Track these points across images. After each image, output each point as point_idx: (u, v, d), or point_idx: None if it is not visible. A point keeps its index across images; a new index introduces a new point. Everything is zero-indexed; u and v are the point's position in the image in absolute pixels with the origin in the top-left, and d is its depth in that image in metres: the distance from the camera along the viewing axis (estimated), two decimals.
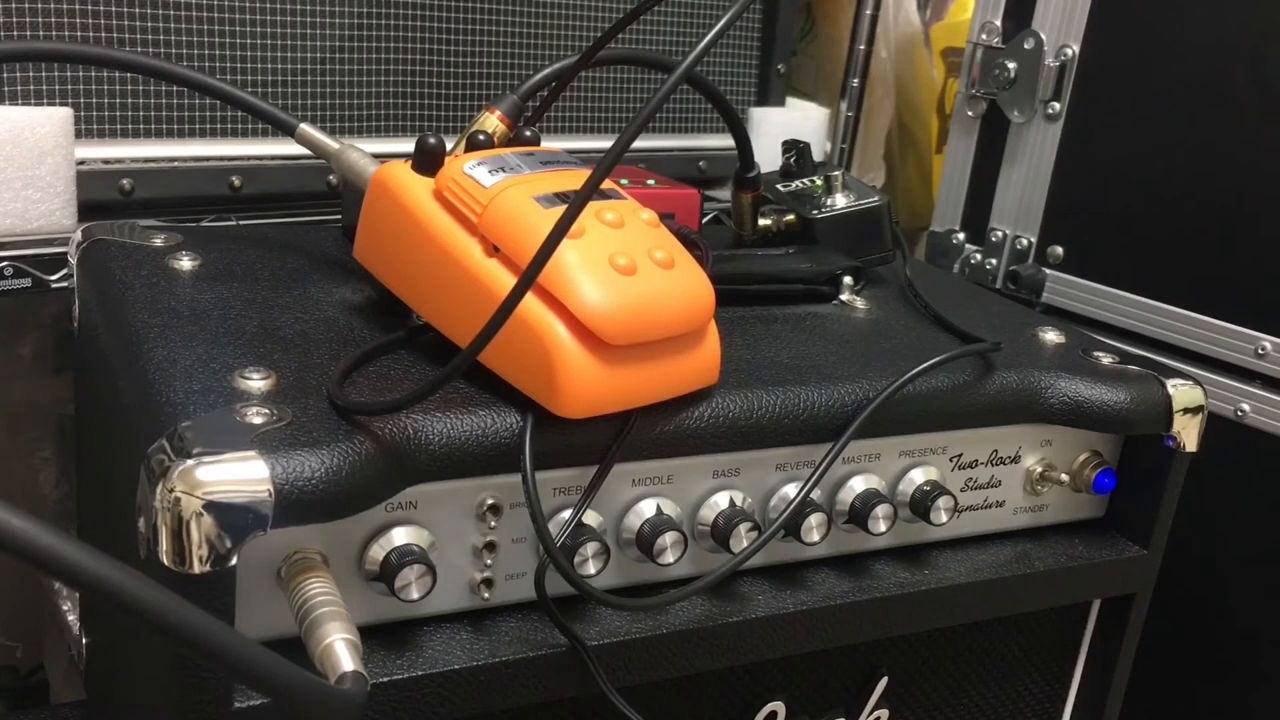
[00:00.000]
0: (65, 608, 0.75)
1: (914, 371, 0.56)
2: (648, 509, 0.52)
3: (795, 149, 0.77)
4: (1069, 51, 0.91)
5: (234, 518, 0.40)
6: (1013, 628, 0.65)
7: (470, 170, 0.50)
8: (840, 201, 0.73)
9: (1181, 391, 0.62)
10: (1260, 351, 0.81)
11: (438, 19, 0.90)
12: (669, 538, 0.50)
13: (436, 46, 0.90)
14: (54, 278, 0.75)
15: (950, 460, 0.60)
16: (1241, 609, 0.84)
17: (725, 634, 0.53)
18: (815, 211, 0.73)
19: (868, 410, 0.54)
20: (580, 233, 0.48)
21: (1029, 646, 0.67)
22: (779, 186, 0.76)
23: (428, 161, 0.51)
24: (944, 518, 0.58)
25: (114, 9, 0.78)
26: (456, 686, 0.47)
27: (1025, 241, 0.95)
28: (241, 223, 0.85)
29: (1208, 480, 0.71)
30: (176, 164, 0.82)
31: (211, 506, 0.40)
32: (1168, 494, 0.64)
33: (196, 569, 0.40)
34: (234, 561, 0.41)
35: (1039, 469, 0.63)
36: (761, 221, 0.74)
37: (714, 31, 0.49)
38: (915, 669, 0.63)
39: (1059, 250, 0.93)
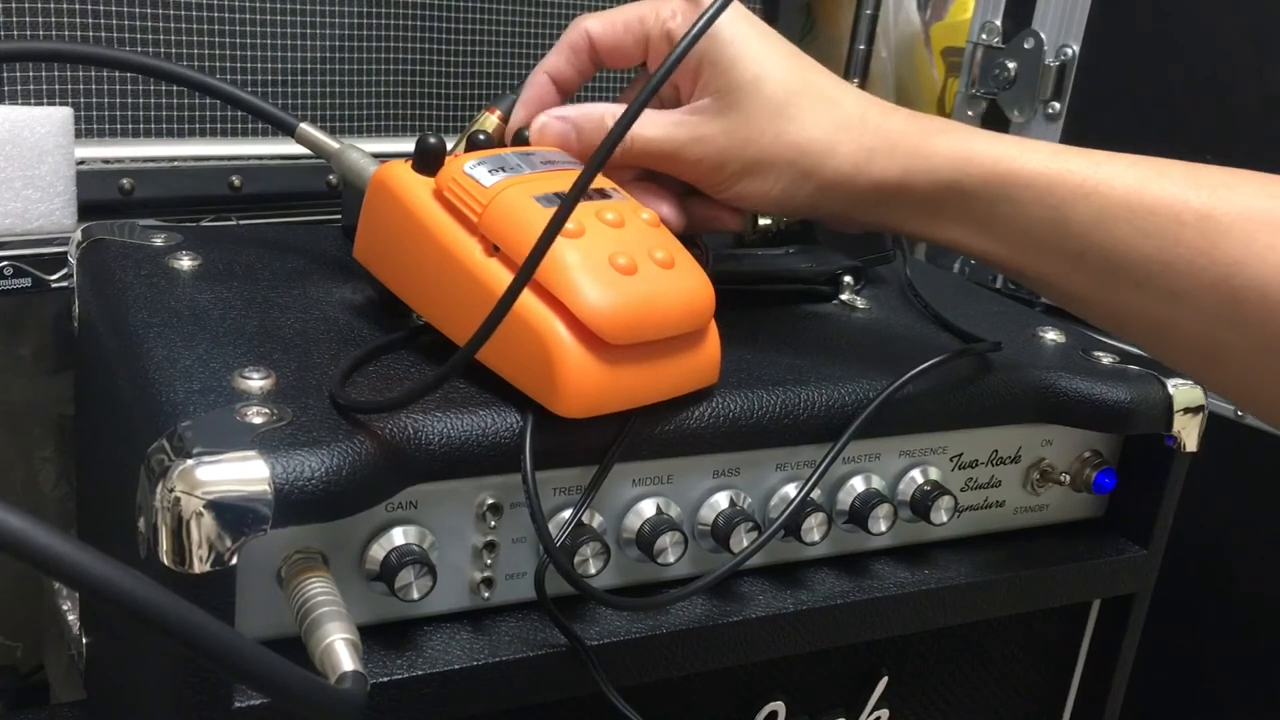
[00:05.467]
0: (65, 608, 0.75)
1: (914, 371, 0.56)
2: (648, 509, 0.52)
3: None
4: (1069, 51, 0.91)
5: (234, 517, 0.40)
6: (1013, 628, 0.65)
7: (470, 170, 0.50)
8: None
9: (1182, 391, 0.62)
10: None
11: (438, 19, 0.90)
12: (669, 538, 0.50)
13: (436, 46, 0.90)
14: (54, 277, 0.75)
15: (950, 460, 0.60)
16: (1242, 609, 0.84)
17: (725, 634, 0.53)
18: None
19: (868, 410, 0.54)
20: (580, 232, 0.48)
21: (1029, 646, 0.67)
22: None
23: (428, 161, 0.51)
24: (944, 518, 0.58)
25: (114, 9, 0.78)
26: (456, 686, 0.47)
27: None
28: (241, 223, 0.85)
29: (1208, 480, 0.71)
30: (176, 164, 0.82)
31: (211, 506, 0.40)
32: (1168, 494, 0.64)
33: (196, 569, 0.40)
34: (234, 561, 0.41)
35: (1039, 469, 0.63)
36: (761, 221, 0.73)
37: (703, 22, 0.48)
38: (915, 669, 0.63)
39: None
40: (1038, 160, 0.52)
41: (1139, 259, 0.50)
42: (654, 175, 0.58)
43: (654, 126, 0.55)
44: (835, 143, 0.54)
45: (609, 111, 0.56)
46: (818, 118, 0.54)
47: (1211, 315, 0.49)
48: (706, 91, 0.55)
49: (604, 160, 0.45)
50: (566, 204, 0.44)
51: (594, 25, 0.57)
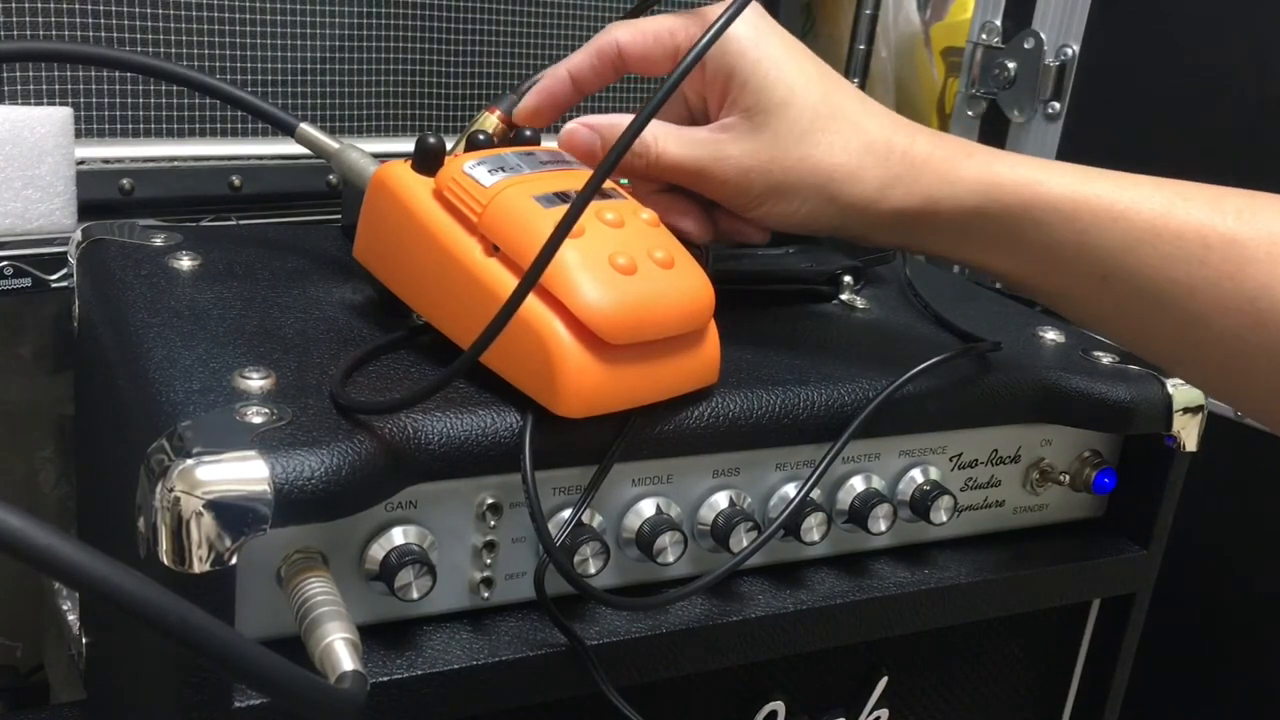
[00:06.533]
0: (65, 608, 0.75)
1: (914, 371, 0.56)
2: (648, 509, 0.52)
3: None
4: (1069, 51, 0.91)
5: (234, 517, 0.40)
6: (1013, 628, 0.65)
7: (470, 170, 0.50)
8: None
9: (1182, 391, 0.62)
10: None
11: (438, 19, 0.90)
12: (669, 537, 0.50)
13: (436, 46, 0.90)
14: (54, 277, 0.75)
15: (950, 460, 0.60)
16: (1241, 609, 0.84)
17: (725, 634, 0.53)
18: None
19: (868, 410, 0.54)
20: (580, 232, 0.48)
21: (1029, 646, 0.67)
22: None
23: (428, 161, 0.51)
24: (944, 517, 0.58)
25: (114, 9, 0.78)
26: (456, 686, 0.47)
27: None
28: (241, 223, 0.85)
29: (1208, 480, 0.71)
30: (176, 164, 0.82)
31: (211, 506, 0.40)
32: (1168, 494, 0.64)
33: (196, 569, 0.40)
34: (234, 561, 0.41)
35: (1039, 469, 0.63)
36: None
37: (712, 32, 0.49)
38: (915, 669, 0.63)
39: None
40: (1064, 184, 0.52)
41: (1164, 282, 0.50)
42: (679, 188, 0.58)
43: (680, 144, 0.55)
44: (860, 168, 0.54)
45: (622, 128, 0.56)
46: (844, 143, 0.54)
47: (1235, 338, 0.49)
48: (734, 110, 0.54)
49: (609, 171, 0.45)
50: (572, 212, 0.44)
51: (623, 34, 0.57)
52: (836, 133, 0.54)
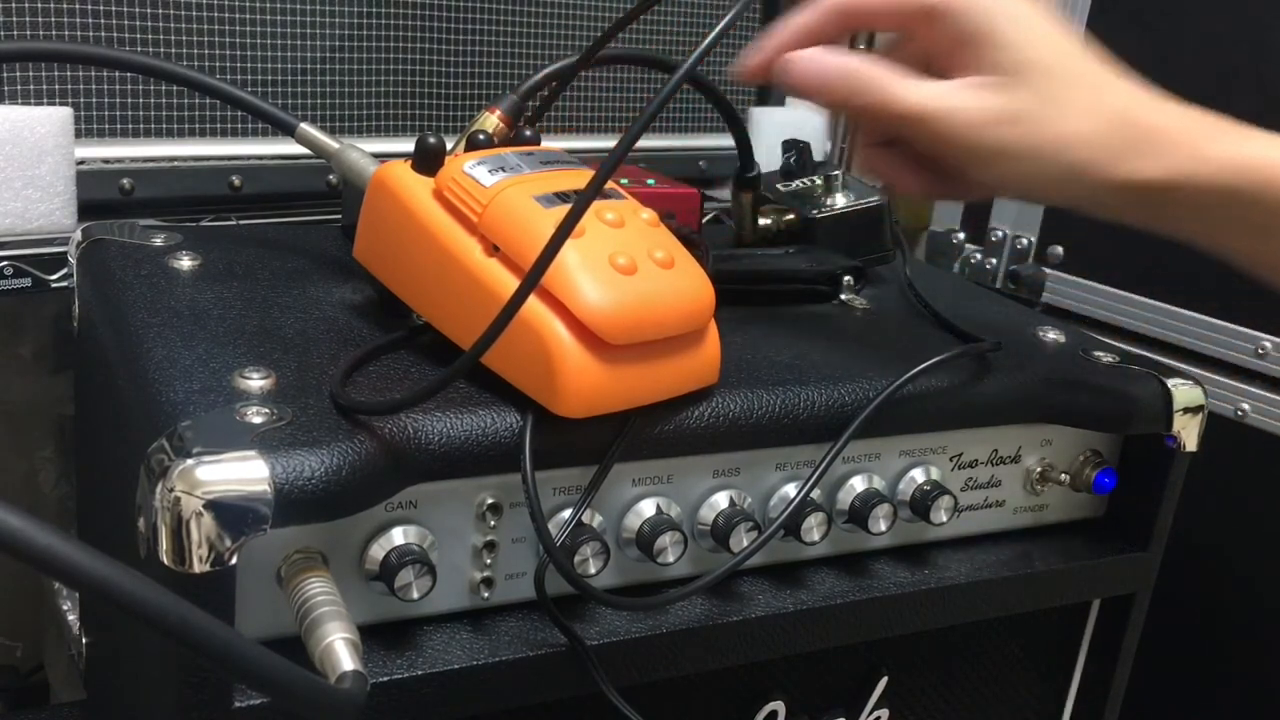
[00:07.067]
0: (65, 608, 0.75)
1: (914, 371, 0.56)
2: (648, 509, 0.52)
3: (795, 149, 0.77)
4: None
5: (234, 517, 0.40)
6: (1013, 628, 0.65)
7: (470, 170, 0.50)
8: (840, 201, 0.73)
9: (1182, 391, 0.62)
10: (1260, 351, 0.81)
11: (438, 19, 0.90)
12: (669, 537, 0.50)
13: (436, 46, 0.90)
14: (54, 277, 0.75)
15: (950, 460, 0.60)
16: (1241, 609, 0.84)
17: (725, 634, 0.53)
18: (815, 211, 0.73)
19: (868, 410, 0.54)
20: (580, 232, 0.48)
21: (1029, 646, 0.67)
22: (779, 186, 0.75)
23: (428, 161, 0.51)
24: (944, 517, 0.58)
25: (114, 9, 0.78)
26: (456, 686, 0.47)
27: (1025, 241, 0.95)
28: (241, 223, 0.85)
29: (1208, 480, 0.71)
30: (176, 164, 0.82)
31: (211, 506, 0.40)
32: (1168, 494, 0.64)
33: (196, 569, 0.40)
34: (234, 561, 0.41)
35: (1039, 469, 0.63)
36: (761, 221, 0.73)
37: (715, 33, 0.49)
38: (915, 669, 0.63)
39: (1059, 250, 0.93)
40: None
41: None
42: (899, 142, 0.56)
43: (916, 90, 0.53)
44: (1096, 134, 0.52)
45: (863, 66, 0.54)
46: (1084, 107, 0.52)
47: None
48: (977, 68, 0.53)
49: (610, 173, 0.45)
50: (574, 212, 0.44)
51: None
52: (1079, 99, 0.52)
